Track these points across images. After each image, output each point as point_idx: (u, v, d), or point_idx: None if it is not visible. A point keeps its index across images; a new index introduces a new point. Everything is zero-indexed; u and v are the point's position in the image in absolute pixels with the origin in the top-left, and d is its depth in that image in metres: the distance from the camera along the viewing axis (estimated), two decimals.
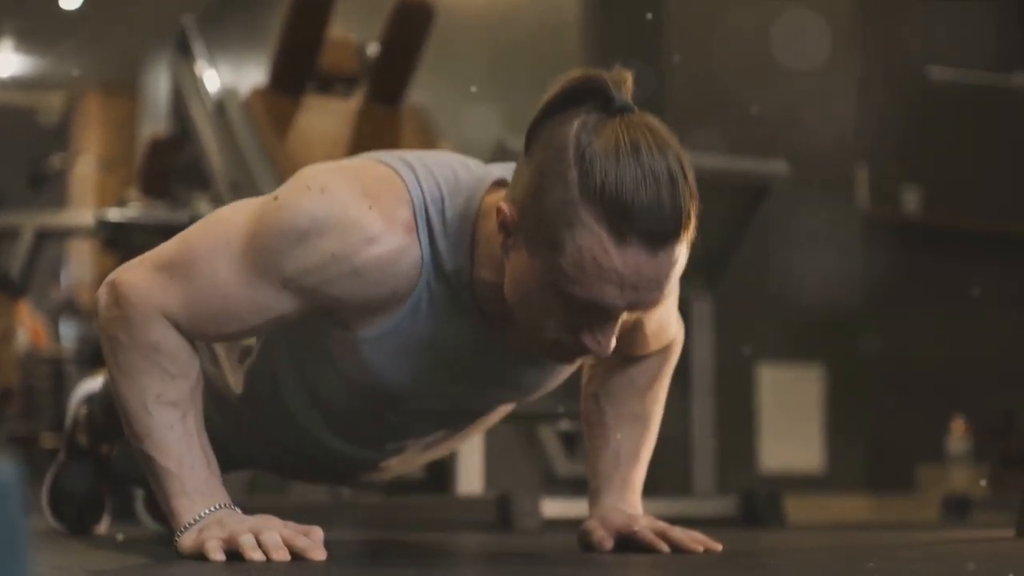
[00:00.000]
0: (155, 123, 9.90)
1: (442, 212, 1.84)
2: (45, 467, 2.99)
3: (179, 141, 5.39)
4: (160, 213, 5.21)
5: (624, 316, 1.76)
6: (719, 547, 2.05)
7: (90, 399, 2.84)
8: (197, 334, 1.87)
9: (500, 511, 3.57)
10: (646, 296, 1.71)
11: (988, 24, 6.46)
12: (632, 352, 2.14)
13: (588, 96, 1.72)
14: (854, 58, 6.36)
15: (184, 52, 5.24)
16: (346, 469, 2.33)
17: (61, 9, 9.63)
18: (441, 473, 4.38)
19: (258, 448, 2.31)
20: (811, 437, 6.12)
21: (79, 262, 11.26)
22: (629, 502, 2.14)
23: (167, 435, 1.84)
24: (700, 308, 4.11)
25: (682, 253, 1.71)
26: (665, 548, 2.02)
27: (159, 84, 10.00)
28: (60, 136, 12.27)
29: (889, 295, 6.32)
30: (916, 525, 4.21)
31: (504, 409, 2.30)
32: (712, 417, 4.22)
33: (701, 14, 6.18)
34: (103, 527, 2.94)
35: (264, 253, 1.82)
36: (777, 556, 2.31)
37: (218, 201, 4.84)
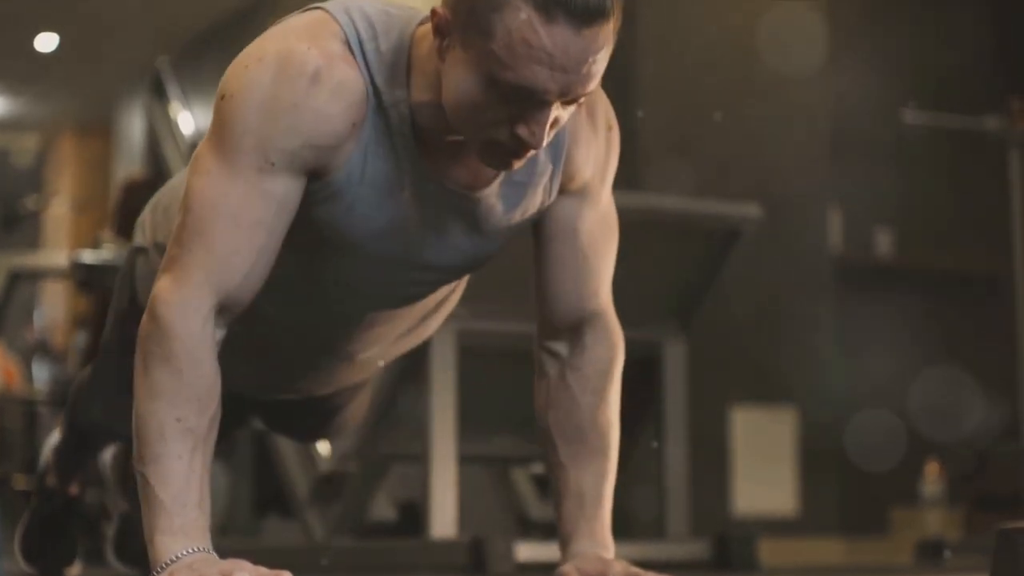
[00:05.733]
0: (130, 164, 9.88)
1: (376, 47, 1.90)
2: (17, 509, 2.98)
3: (154, 182, 5.37)
4: None
5: (557, 111, 1.81)
6: None
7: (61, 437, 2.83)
8: (232, 285, 1.87)
9: (473, 554, 3.56)
10: (575, 78, 1.77)
11: (960, 67, 6.50)
12: (570, 284, 2.11)
13: None
14: (827, 101, 6.40)
15: (159, 94, 5.24)
16: (311, 357, 2.31)
17: (35, 50, 9.63)
18: (414, 516, 4.37)
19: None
20: (784, 480, 6.13)
21: (53, 303, 11.20)
22: (601, 544, 2.13)
23: (173, 466, 1.81)
24: (673, 351, 4.10)
25: (608, 38, 1.78)
26: None
27: (134, 125, 9.99)
28: (34, 177, 12.23)
29: (861, 337, 6.33)
30: (890, 568, 4.21)
31: (446, 302, 2.30)
32: (685, 459, 4.21)
33: (670, 59, 6.21)
34: (75, 570, 2.93)
35: (240, 148, 1.86)
36: None
37: None
